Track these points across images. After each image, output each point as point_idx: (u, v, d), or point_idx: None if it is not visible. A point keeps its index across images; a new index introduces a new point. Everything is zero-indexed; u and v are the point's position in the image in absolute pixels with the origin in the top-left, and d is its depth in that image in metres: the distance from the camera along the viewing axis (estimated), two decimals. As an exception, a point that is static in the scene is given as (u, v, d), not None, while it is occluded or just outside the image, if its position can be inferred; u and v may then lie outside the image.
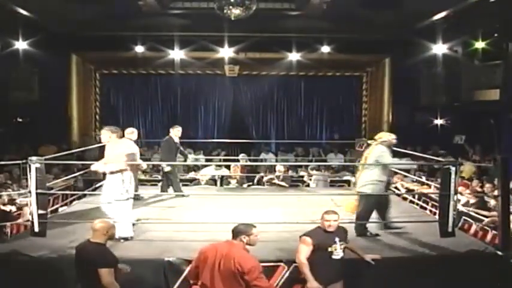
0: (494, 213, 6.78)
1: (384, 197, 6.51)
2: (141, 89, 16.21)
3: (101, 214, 6.35)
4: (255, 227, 4.41)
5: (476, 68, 13.68)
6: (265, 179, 10.57)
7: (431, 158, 9.55)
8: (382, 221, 6.51)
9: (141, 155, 12.84)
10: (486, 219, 7.27)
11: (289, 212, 7.60)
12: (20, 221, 7.46)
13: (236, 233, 4.32)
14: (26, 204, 7.70)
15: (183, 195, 8.56)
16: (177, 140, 8.91)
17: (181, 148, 9.25)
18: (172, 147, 8.80)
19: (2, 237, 6.80)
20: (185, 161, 9.94)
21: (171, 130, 8.97)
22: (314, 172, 11.03)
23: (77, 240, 5.76)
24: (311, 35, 13.16)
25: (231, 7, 9.19)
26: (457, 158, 10.86)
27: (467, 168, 11.09)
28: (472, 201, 8.19)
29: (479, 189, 9.04)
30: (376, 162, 6.43)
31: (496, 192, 7.56)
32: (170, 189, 8.78)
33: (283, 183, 10.16)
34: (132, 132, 8.19)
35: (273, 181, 10.36)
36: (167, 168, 8.56)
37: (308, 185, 10.91)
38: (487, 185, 9.02)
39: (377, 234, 6.29)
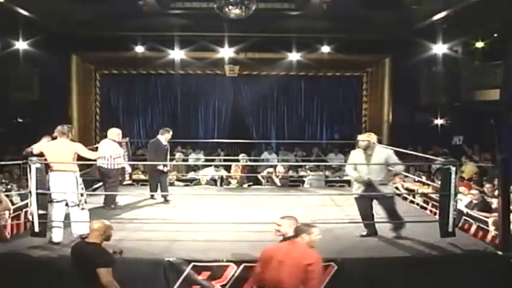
0: (495, 214, 6.77)
1: (363, 200, 6.44)
2: (141, 89, 16.21)
3: (100, 214, 6.35)
4: (315, 227, 4.46)
5: (476, 68, 13.68)
6: (265, 171, 10.64)
7: (432, 158, 9.56)
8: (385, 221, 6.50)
9: (141, 155, 12.84)
10: (489, 220, 7.24)
11: (289, 212, 7.58)
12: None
13: (298, 231, 4.37)
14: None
15: (152, 196, 8.56)
16: (165, 142, 8.66)
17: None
18: (158, 149, 8.56)
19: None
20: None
21: (160, 132, 8.74)
22: (310, 172, 11.06)
23: (76, 240, 5.78)
24: (311, 35, 13.14)
25: (230, 7, 9.20)
26: (459, 158, 10.90)
27: (468, 168, 11.09)
28: (475, 201, 8.16)
29: (479, 190, 9.02)
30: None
31: (496, 193, 7.57)
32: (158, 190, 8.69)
33: (277, 181, 10.24)
34: (112, 134, 8.06)
35: (271, 175, 10.44)
36: (166, 169, 8.47)
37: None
38: (487, 185, 9.01)
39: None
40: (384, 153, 6.49)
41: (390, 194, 6.48)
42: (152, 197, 8.57)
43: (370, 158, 6.43)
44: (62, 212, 5.99)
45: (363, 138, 6.52)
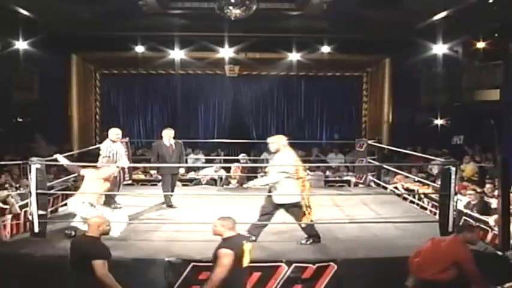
0: (495, 217, 6.75)
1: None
2: (141, 89, 16.21)
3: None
4: (478, 228, 5.12)
5: (476, 68, 13.68)
6: (267, 168, 10.65)
7: (432, 158, 9.55)
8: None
9: (141, 155, 12.78)
10: (490, 220, 7.20)
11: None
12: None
13: (460, 229, 5.08)
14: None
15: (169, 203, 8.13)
16: (169, 142, 8.29)
17: (183, 150, 8.57)
18: (160, 151, 8.21)
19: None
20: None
21: (164, 132, 8.35)
22: (310, 172, 11.05)
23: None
24: (311, 35, 13.16)
25: (231, 7, 9.18)
26: (460, 158, 10.90)
27: (469, 168, 11.08)
28: (473, 202, 8.14)
29: (476, 190, 9.00)
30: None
31: (495, 193, 7.55)
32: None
33: None
34: (111, 134, 7.87)
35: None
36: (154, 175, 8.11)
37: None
38: (487, 186, 8.99)
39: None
40: (283, 158, 6.09)
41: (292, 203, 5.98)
42: (166, 198, 8.15)
43: (271, 161, 6.22)
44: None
45: (272, 140, 6.20)
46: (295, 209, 5.99)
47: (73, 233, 5.98)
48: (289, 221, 6.63)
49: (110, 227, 4.64)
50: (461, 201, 7.95)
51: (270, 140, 6.24)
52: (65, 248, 5.50)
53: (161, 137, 8.45)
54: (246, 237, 4.59)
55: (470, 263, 4.74)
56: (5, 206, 7.60)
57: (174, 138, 8.41)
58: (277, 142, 6.15)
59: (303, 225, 6.00)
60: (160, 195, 8.40)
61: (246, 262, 4.32)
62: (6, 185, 9.01)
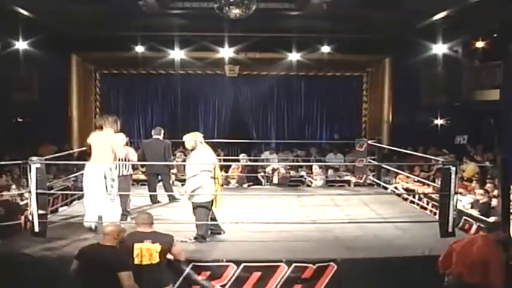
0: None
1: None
2: (141, 89, 16.21)
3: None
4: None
5: (476, 68, 13.68)
6: (269, 168, 10.67)
7: (432, 158, 9.56)
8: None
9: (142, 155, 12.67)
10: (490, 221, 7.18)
11: (289, 212, 7.61)
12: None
13: (489, 229, 5.11)
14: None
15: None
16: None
17: None
18: (168, 149, 8.39)
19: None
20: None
21: (156, 133, 8.48)
22: (319, 171, 11.06)
23: (76, 240, 5.78)
24: (311, 35, 13.16)
25: (231, 7, 9.19)
26: (461, 158, 10.89)
27: (470, 168, 11.08)
28: (481, 201, 8.12)
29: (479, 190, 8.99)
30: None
31: (495, 192, 7.56)
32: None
33: (275, 179, 10.35)
34: None
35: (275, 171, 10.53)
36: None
37: (309, 185, 10.93)
38: (488, 185, 8.99)
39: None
40: (200, 155, 6.03)
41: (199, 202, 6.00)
42: (170, 197, 8.33)
43: (188, 159, 6.27)
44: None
45: (188, 138, 6.13)
46: (202, 208, 5.99)
47: (93, 226, 6.06)
48: (289, 221, 6.65)
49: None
50: (461, 202, 7.96)
51: (185, 137, 6.17)
52: (65, 248, 5.52)
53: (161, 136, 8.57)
54: (151, 237, 4.61)
55: (499, 266, 4.53)
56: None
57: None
58: (193, 139, 6.08)
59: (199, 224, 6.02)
60: (162, 195, 8.41)
61: (136, 261, 4.46)
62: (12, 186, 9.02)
